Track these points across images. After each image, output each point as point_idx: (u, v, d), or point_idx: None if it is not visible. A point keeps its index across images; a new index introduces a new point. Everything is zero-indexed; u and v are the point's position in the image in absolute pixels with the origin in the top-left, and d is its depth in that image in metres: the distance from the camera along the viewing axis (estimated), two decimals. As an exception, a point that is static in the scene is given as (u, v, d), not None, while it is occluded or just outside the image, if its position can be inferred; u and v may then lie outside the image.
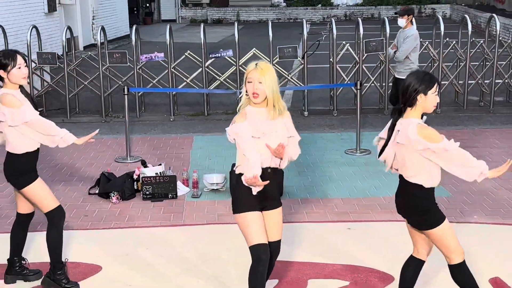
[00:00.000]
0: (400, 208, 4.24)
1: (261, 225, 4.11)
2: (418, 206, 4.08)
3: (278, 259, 5.27)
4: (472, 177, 3.99)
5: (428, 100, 3.98)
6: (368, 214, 6.33)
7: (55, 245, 4.80)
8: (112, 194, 6.73)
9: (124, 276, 5.07)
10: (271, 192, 4.14)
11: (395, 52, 8.81)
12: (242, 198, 4.09)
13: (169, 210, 6.50)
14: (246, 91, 4.08)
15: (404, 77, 8.71)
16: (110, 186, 6.85)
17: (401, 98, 4.06)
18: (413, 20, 8.83)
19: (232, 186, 4.17)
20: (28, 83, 4.81)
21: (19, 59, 4.59)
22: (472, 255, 5.35)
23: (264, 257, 4.06)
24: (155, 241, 5.75)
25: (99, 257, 5.40)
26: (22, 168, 4.76)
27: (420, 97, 3.96)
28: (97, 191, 6.94)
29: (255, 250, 4.06)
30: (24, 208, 4.92)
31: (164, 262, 5.31)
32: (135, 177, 6.98)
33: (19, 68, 4.58)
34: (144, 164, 7.39)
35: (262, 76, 4.00)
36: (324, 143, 8.94)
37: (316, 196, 6.86)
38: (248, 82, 4.05)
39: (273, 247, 4.22)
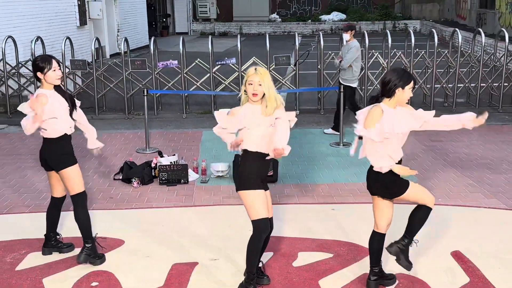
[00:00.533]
0: (371, 186, 4.31)
1: (266, 202, 4.17)
2: (385, 180, 4.16)
3: (272, 234, 5.31)
4: (376, 166, 4.15)
5: (405, 94, 4.06)
6: (349, 197, 6.32)
7: (85, 223, 4.80)
8: (133, 180, 6.72)
9: (144, 249, 5.07)
10: (264, 176, 4.26)
11: (340, 61, 8.79)
12: (250, 178, 4.12)
13: (182, 193, 6.49)
14: (245, 91, 4.10)
15: (348, 84, 8.86)
16: (131, 173, 6.84)
17: (381, 89, 4.13)
18: (353, 34, 8.80)
19: (240, 167, 4.17)
20: (62, 84, 4.80)
21: (54, 62, 4.59)
22: (437, 232, 5.36)
23: (267, 230, 4.14)
24: (170, 219, 5.74)
25: (122, 233, 5.40)
26: (62, 150, 4.73)
27: (399, 91, 4.03)
28: (120, 177, 6.93)
29: (262, 222, 4.09)
30: (58, 192, 4.90)
31: (178, 236, 5.31)
32: (153, 165, 6.96)
33: (54, 70, 4.58)
34: (160, 154, 7.39)
35: (261, 79, 4.04)
36: (313, 137, 8.93)
37: (306, 181, 6.85)
38: (249, 84, 4.06)
39: (271, 223, 4.25)
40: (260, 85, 4.04)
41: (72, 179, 4.70)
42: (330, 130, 9.09)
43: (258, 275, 4.40)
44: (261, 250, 4.26)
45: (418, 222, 4.39)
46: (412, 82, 4.06)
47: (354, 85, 8.87)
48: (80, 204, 4.77)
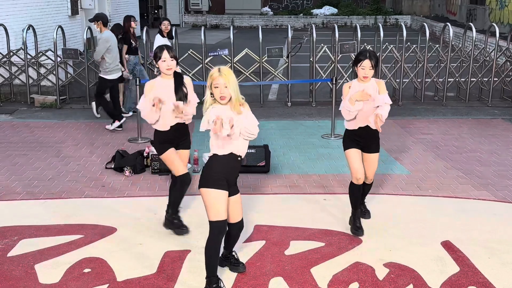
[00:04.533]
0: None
1: (226, 204, 4.07)
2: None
3: (265, 223, 5.33)
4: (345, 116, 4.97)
5: (359, 71, 4.85)
6: (340, 188, 6.34)
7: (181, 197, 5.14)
8: (125, 169, 6.70)
9: (136, 236, 5.05)
10: (233, 179, 4.14)
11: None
12: (215, 176, 4.06)
13: (174, 183, 6.47)
14: (211, 94, 3.93)
15: (103, 76, 8.64)
16: (124, 161, 6.81)
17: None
18: (105, 25, 8.55)
19: (207, 164, 4.16)
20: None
21: (165, 53, 4.69)
22: (427, 222, 5.40)
23: (224, 232, 4.11)
24: (162, 207, 5.70)
25: (115, 220, 5.38)
26: (158, 139, 5.04)
27: (356, 67, 4.85)
28: (112, 166, 6.90)
29: (220, 224, 4.05)
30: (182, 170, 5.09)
31: (170, 225, 5.30)
32: (145, 154, 6.94)
33: (164, 61, 4.70)
34: (153, 143, 7.35)
35: (227, 80, 3.88)
36: (304, 129, 8.93)
37: (298, 172, 6.86)
38: (215, 87, 3.90)
39: (240, 224, 4.28)
40: (226, 87, 3.89)
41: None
42: None
43: (233, 263, 4.41)
44: (230, 245, 4.32)
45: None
46: (361, 62, 4.77)
47: (109, 76, 8.58)
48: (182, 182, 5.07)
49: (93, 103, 9.55)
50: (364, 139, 5.01)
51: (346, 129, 5.08)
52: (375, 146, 5.07)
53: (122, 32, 9.45)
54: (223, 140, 3.99)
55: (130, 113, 9.56)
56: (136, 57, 9.67)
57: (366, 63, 4.75)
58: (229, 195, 4.07)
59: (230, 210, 4.11)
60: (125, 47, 9.39)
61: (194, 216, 5.50)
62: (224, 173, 4.02)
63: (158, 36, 9.37)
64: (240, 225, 4.23)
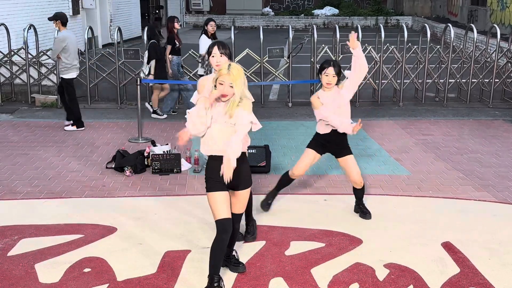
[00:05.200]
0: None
1: (225, 202, 4.07)
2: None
3: (265, 223, 5.33)
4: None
5: (323, 78, 5.11)
6: (341, 188, 6.34)
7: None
8: (126, 168, 6.70)
9: (136, 236, 5.05)
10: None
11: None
12: (210, 180, 4.10)
13: (174, 182, 6.47)
14: (215, 86, 3.90)
15: (63, 76, 8.57)
16: (124, 161, 6.80)
17: None
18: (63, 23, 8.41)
19: (206, 168, 4.17)
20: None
21: (215, 49, 4.50)
22: (428, 223, 5.40)
23: (227, 230, 4.06)
24: (162, 207, 5.73)
25: (115, 220, 5.37)
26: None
27: (320, 75, 5.13)
28: (113, 166, 6.90)
29: (220, 223, 4.05)
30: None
31: (170, 225, 5.30)
32: (145, 154, 6.93)
33: (213, 57, 4.48)
34: (153, 143, 7.36)
35: (233, 81, 3.84)
36: (305, 129, 8.93)
37: (298, 173, 6.85)
38: (220, 83, 3.87)
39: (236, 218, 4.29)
40: (232, 87, 3.85)
41: None
42: None
43: (233, 263, 4.41)
44: (230, 242, 4.26)
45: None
46: (325, 69, 5.07)
47: (66, 76, 8.50)
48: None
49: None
50: (333, 144, 5.30)
51: (317, 133, 5.36)
52: (346, 150, 5.34)
53: (158, 34, 9.44)
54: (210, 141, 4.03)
55: (165, 116, 9.63)
56: (179, 58, 9.75)
57: (330, 71, 5.05)
58: (235, 190, 4.12)
59: (232, 202, 4.17)
60: (168, 48, 9.44)
61: (195, 216, 5.50)
62: (219, 173, 3.96)
63: (203, 37, 9.27)
64: (236, 218, 4.19)
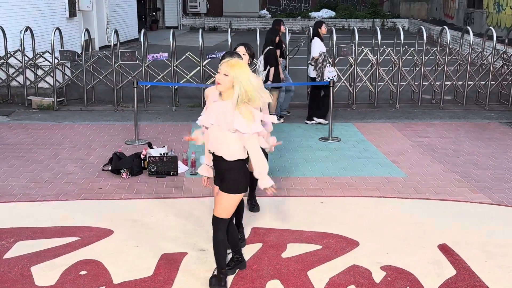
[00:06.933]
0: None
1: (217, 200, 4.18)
2: None
3: (262, 226, 5.32)
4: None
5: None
6: (337, 191, 6.34)
7: None
8: (122, 171, 6.68)
9: (133, 238, 5.04)
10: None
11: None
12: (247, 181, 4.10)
13: (171, 185, 6.47)
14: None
15: None
16: (121, 163, 6.79)
17: None
18: None
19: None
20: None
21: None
22: (424, 225, 5.40)
23: (217, 227, 4.16)
24: (159, 210, 5.72)
25: (112, 223, 5.36)
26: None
27: None
28: (109, 168, 6.89)
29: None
30: None
31: (167, 227, 5.29)
32: (142, 156, 6.93)
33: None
34: (150, 146, 7.35)
35: (229, 70, 3.77)
36: (302, 131, 8.94)
37: (295, 175, 6.86)
38: (218, 72, 3.88)
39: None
40: (226, 75, 3.78)
41: None
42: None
43: (235, 260, 4.44)
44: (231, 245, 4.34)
45: None
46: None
47: None
48: None
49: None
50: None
51: None
52: None
53: (280, 41, 9.39)
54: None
55: (282, 120, 9.61)
56: (283, 61, 9.77)
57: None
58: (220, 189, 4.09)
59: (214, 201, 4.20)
60: (278, 51, 9.37)
61: (191, 219, 5.49)
62: (216, 170, 4.13)
63: (317, 40, 9.19)
64: (215, 221, 4.09)
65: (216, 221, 4.09)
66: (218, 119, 3.92)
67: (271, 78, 8.96)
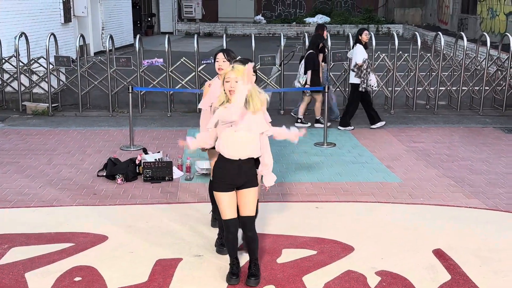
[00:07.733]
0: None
1: (231, 203, 4.23)
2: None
3: (257, 231, 5.29)
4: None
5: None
6: (333, 196, 6.34)
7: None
8: (117, 176, 6.67)
9: (128, 244, 5.03)
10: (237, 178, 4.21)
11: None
12: (218, 181, 4.24)
13: (166, 190, 6.46)
14: (224, 90, 4.07)
15: None
16: (115, 169, 6.78)
17: None
18: None
19: (214, 167, 4.36)
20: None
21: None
22: (419, 230, 5.41)
23: (231, 230, 4.25)
24: (154, 215, 5.71)
25: (106, 229, 5.35)
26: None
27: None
28: (104, 174, 6.88)
29: (225, 223, 4.27)
30: None
31: (162, 233, 5.28)
32: (137, 162, 6.92)
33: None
34: (145, 151, 7.35)
35: (238, 75, 3.99)
36: (297, 137, 8.93)
37: (290, 180, 6.86)
38: (226, 81, 4.04)
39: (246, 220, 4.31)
40: (237, 82, 3.99)
41: None
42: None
43: (248, 275, 4.37)
44: (248, 249, 4.41)
45: None
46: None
47: None
48: None
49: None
50: None
51: None
52: None
53: (323, 45, 9.47)
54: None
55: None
56: (326, 65, 9.83)
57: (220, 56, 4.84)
58: (239, 189, 4.21)
59: (240, 204, 4.26)
60: (320, 56, 9.42)
61: (186, 224, 5.48)
62: (226, 175, 4.16)
63: (359, 46, 9.19)
64: (244, 220, 4.24)
65: (250, 220, 4.26)
66: (247, 124, 4.06)
67: (308, 81, 9.05)
